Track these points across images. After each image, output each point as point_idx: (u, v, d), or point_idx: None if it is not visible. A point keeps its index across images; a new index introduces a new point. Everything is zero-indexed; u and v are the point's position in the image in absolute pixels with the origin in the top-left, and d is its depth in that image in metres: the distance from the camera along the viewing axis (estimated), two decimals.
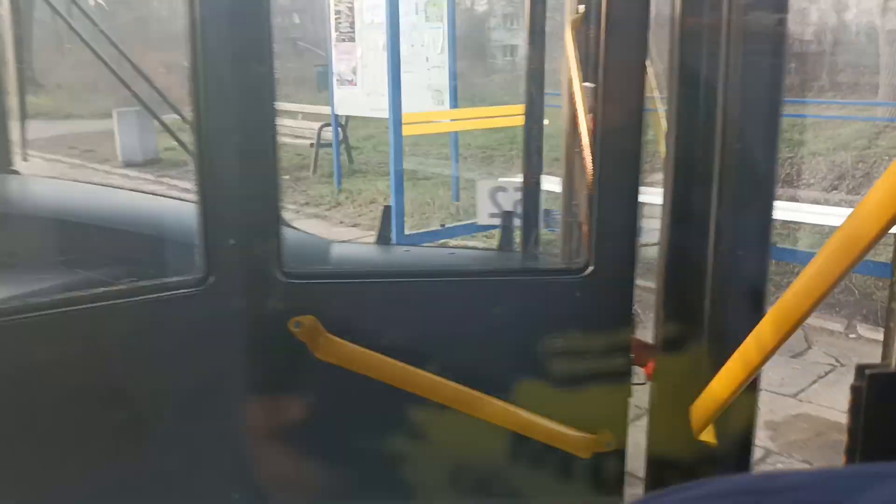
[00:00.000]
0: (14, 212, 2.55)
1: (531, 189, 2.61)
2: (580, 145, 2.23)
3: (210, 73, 1.77)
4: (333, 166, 11.13)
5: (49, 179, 3.85)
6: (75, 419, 1.85)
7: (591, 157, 1.88)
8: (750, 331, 1.49)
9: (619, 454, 1.98)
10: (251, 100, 1.81)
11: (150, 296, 1.86)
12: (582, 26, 2.42)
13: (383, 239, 2.85)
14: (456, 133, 9.80)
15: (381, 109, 7.98)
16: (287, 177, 10.92)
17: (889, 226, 1.17)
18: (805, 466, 3.82)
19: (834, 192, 10.21)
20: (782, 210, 6.62)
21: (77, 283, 1.96)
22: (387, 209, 2.88)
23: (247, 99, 1.80)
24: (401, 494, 2.01)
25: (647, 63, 1.89)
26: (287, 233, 1.98)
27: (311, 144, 11.78)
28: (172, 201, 2.73)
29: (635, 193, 1.86)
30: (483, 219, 2.85)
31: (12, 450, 1.80)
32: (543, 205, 2.64)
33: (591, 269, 1.90)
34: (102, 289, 1.85)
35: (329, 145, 11.27)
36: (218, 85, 1.78)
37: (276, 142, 1.84)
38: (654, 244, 1.96)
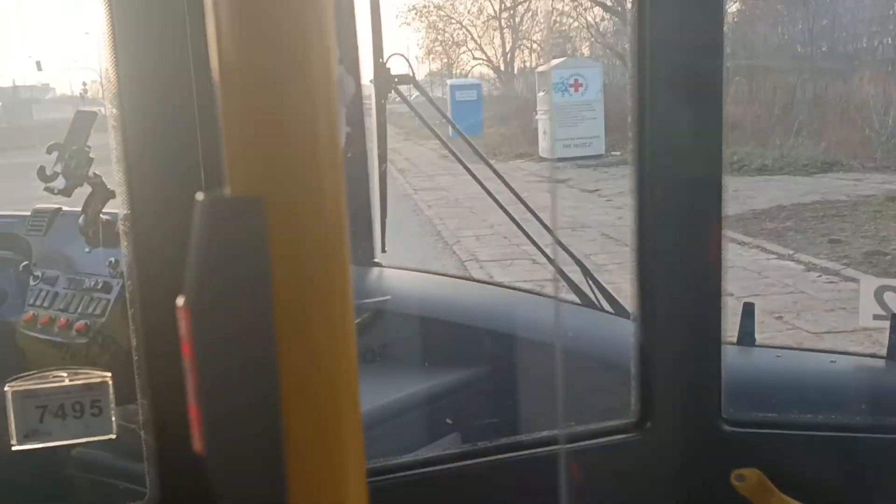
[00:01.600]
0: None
1: None
2: None
3: None
4: None
5: None
6: None
7: None
8: None
9: None
10: None
11: (581, 443, 1.69)
12: None
13: (746, 338, 2.55)
14: None
15: None
16: None
17: None
18: None
19: None
20: None
21: None
22: (748, 305, 2.59)
23: None
24: None
25: None
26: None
27: None
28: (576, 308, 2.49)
29: None
30: (866, 320, 2.48)
31: None
32: None
33: None
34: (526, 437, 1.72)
35: None
36: None
37: None
38: None
